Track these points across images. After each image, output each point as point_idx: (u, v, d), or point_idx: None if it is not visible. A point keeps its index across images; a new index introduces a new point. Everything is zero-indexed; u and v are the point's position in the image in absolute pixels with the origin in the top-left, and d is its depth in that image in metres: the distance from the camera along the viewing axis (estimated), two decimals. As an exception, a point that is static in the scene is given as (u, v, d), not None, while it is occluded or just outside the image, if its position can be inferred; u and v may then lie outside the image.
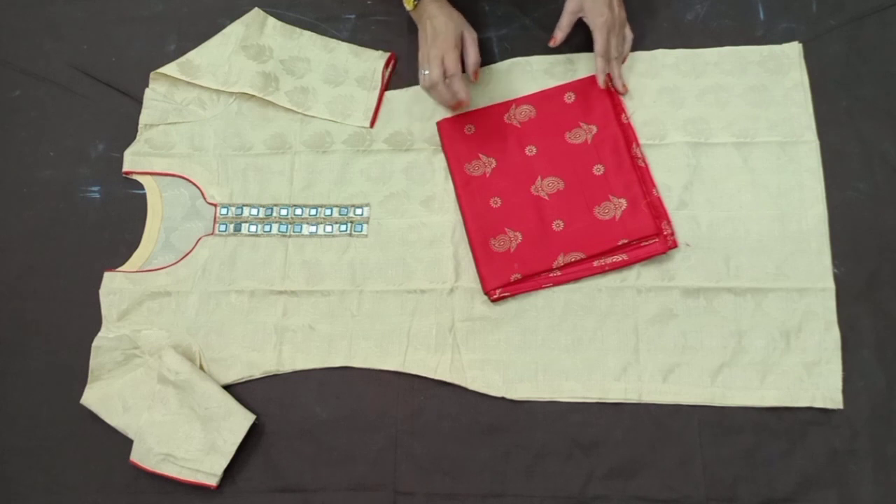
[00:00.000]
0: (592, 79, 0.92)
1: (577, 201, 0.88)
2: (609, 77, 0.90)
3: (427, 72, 0.86)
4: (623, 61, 0.93)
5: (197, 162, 0.95)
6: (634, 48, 0.94)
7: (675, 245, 0.85)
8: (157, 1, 1.05)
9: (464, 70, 0.88)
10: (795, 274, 0.84)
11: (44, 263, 0.94)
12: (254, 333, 0.88)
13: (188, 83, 0.97)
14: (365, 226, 0.91)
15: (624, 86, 0.91)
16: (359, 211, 0.92)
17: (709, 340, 0.83)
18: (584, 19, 0.88)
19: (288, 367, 0.86)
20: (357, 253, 0.90)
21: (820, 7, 0.95)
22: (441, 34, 0.85)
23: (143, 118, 0.97)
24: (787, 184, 0.87)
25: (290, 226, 0.92)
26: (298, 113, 0.96)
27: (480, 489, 0.81)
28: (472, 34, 0.89)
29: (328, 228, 0.91)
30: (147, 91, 0.98)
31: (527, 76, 0.95)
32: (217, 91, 0.97)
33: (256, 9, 1.00)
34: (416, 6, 0.87)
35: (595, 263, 0.85)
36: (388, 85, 0.97)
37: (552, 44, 0.90)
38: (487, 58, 0.96)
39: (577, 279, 0.86)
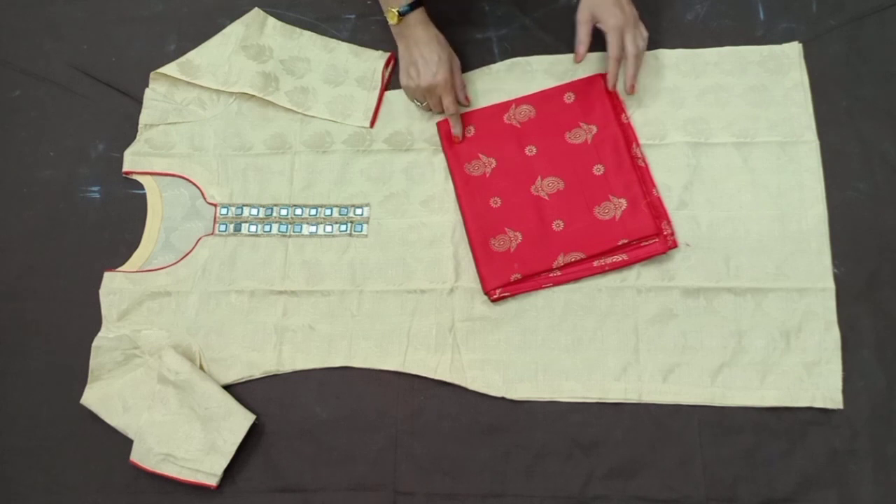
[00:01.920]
0: (592, 79, 0.92)
1: (577, 201, 0.88)
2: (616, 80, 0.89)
3: (423, 103, 0.92)
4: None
5: (197, 162, 0.95)
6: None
7: (675, 245, 0.85)
8: (157, 1, 1.05)
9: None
10: (795, 274, 0.84)
11: (44, 263, 0.94)
12: (254, 333, 0.88)
13: (188, 83, 0.97)
14: (365, 226, 0.91)
15: (633, 86, 0.87)
16: (359, 211, 0.92)
17: (709, 340, 0.83)
18: (597, 25, 0.86)
19: (288, 367, 0.86)
20: (357, 253, 0.90)
21: (820, 7, 0.95)
22: (435, 69, 0.87)
23: (143, 118, 0.97)
24: (787, 184, 0.87)
25: (290, 226, 0.92)
26: (298, 113, 0.96)
27: (480, 489, 0.81)
28: (457, 60, 0.91)
29: (328, 228, 0.91)
30: (147, 91, 0.98)
31: (527, 76, 0.95)
32: (217, 91, 0.97)
33: (256, 9, 1.00)
34: (399, 21, 0.87)
35: (595, 263, 0.85)
36: (388, 85, 0.97)
37: (578, 60, 0.87)
38: (487, 58, 0.97)
39: (577, 279, 0.86)
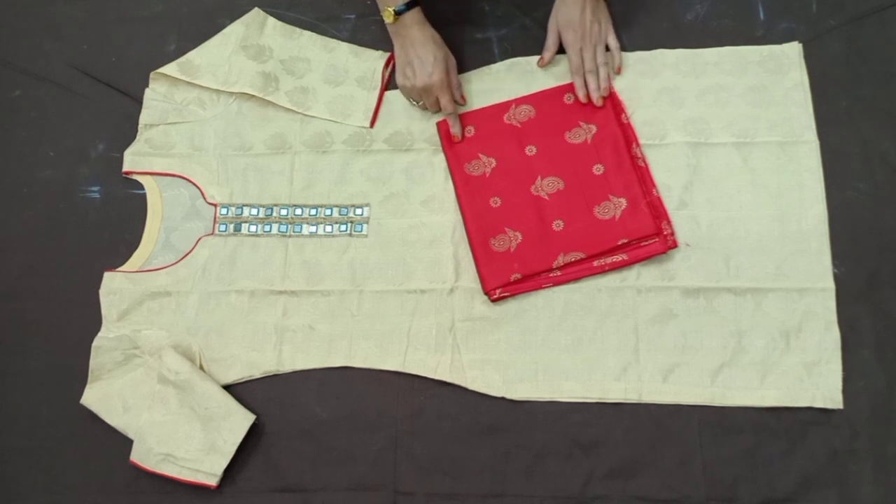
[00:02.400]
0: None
1: (577, 201, 0.88)
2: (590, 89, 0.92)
3: (419, 103, 0.92)
4: (618, 71, 0.93)
5: (197, 162, 0.95)
6: (634, 48, 0.94)
7: (675, 245, 0.85)
8: (157, 1, 1.05)
9: None
10: (795, 274, 0.84)
11: (44, 263, 0.94)
12: (254, 333, 0.88)
13: (188, 83, 0.97)
14: (365, 226, 0.91)
15: (602, 98, 0.91)
16: (359, 211, 0.92)
17: (709, 340, 0.83)
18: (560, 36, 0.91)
19: (288, 367, 0.86)
20: (357, 253, 0.90)
21: (820, 7, 0.95)
22: (431, 70, 0.88)
23: (143, 118, 0.97)
24: (787, 184, 0.87)
25: (290, 226, 0.92)
26: (298, 113, 0.96)
27: (480, 489, 0.81)
28: (452, 60, 0.92)
29: (328, 228, 0.91)
30: (147, 91, 0.98)
31: (527, 76, 0.95)
32: (217, 91, 0.97)
33: (256, 9, 1.00)
34: (396, 20, 0.87)
35: (595, 263, 0.85)
36: (388, 85, 0.97)
37: (541, 64, 0.93)
38: (487, 58, 0.97)
39: (577, 279, 0.86)
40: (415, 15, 0.87)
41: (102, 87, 1.01)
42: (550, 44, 0.92)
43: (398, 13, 0.86)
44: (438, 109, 0.92)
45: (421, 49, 0.88)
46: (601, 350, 0.84)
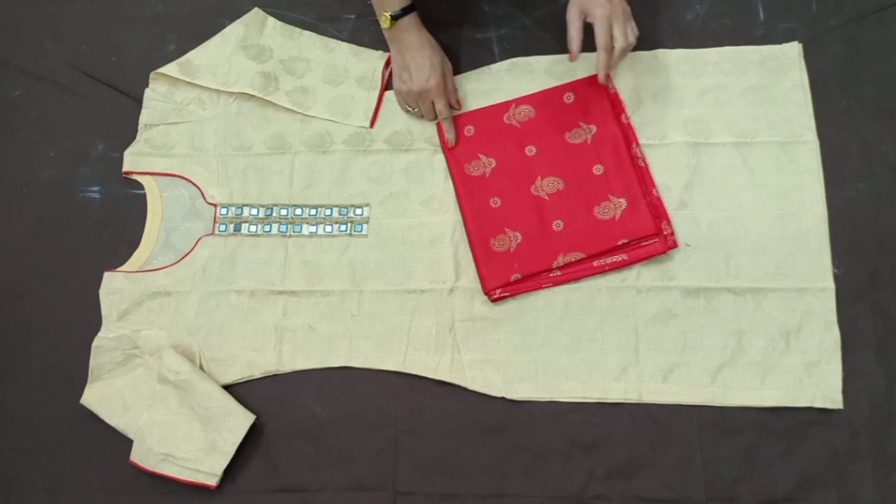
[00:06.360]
0: (592, 79, 0.92)
1: (576, 201, 0.88)
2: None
3: (414, 109, 0.92)
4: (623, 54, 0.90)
5: (197, 162, 0.95)
6: (635, 48, 0.93)
7: (674, 245, 0.85)
8: (157, 1, 1.05)
9: None
10: (795, 274, 0.84)
11: (44, 263, 0.94)
12: (254, 333, 0.88)
13: (188, 83, 0.97)
14: (365, 226, 0.91)
15: (608, 76, 0.85)
16: (359, 211, 0.92)
17: (709, 340, 0.83)
18: (587, 18, 0.84)
19: (288, 367, 0.86)
20: (357, 253, 0.90)
21: (820, 7, 0.95)
22: (428, 74, 0.87)
23: (143, 118, 0.97)
24: (787, 184, 0.87)
25: (290, 226, 0.92)
26: (298, 113, 0.96)
27: (480, 489, 0.81)
28: (448, 64, 0.91)
29: (328, 228, 0.91)
30: (147, 91, 0.98)
31: (527, 76, 0.95)
32: (217, 91, 0.97)
33: (256, 9, 1.00)
34: (392, 25, 0.87)
35: (595, 263, 0.85)
36: (387, 85, 0.97)
37: (573, 59, 0.85)
38: (487, 58, 0.97)
39: (577, 279, 0.86)
40: (411, 20, 0.87)
41: (102, 87, 1.01)
42: (575, 33, 0.83)
43: (395, 18, 0.86)
44: (434, 116, 0.92)
45: (417, 54, 0.88)
46: (601, 350, 0.84)
